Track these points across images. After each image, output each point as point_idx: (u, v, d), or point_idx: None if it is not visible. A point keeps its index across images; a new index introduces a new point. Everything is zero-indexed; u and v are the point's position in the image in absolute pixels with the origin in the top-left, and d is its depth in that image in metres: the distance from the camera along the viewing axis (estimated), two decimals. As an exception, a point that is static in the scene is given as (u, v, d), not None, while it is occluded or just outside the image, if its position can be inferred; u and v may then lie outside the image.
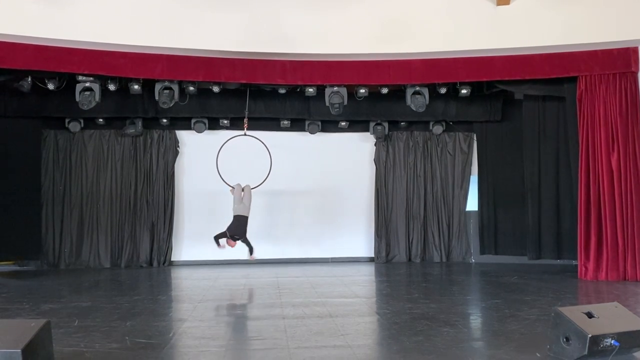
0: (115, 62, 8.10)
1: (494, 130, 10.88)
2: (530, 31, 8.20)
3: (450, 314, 5.77)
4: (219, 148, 9.34)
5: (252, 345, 4.64)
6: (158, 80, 8.66)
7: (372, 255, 11.18)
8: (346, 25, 8.22)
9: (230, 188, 9.11)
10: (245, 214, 8.84)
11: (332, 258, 11.15)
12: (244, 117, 9.45)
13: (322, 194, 11.18)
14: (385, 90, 9.53)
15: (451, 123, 11.12)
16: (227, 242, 8.66)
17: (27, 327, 3.69)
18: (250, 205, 8.95)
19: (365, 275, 9.58)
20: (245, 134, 9.22)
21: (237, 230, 8.68)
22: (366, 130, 11.11)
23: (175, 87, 8.76)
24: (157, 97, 8.79)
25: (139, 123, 10.54)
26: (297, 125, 10.90)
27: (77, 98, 8.47)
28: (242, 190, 9.03)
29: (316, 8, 8.16)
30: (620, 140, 8.20)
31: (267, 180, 9.41)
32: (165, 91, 8.70)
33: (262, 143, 9.25)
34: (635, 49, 8.24)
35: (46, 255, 10.39)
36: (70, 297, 7.19)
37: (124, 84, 9.06)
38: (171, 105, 8.90)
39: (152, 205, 10.75)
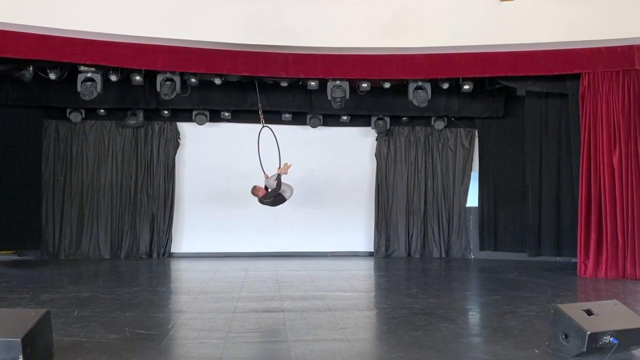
0: (117, 53, 8.06)
1: (496, 126, 10.86)
2: (533, 27, 8.17)
3: (449, 309, 5.78)
4: (257, 143, 8.98)
5: (251, 337, 4.64)
6: (160, 72, 8.63)
7: (372, 250, 11.19)
8: (349, 19, 8.19)
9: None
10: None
11: (331, 252, 11.16)
12: (258, 110, 9.34)
13: (322, 188, 11.17)
14: (387, 85, 9.51)
15: (453, 119, 11.09)
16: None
17: (27, 316, 3.69)
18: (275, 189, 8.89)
19: (365, 270, 9.60)
20: (263, 126, 9.10)
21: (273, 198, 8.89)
22: (368, 124, 11.09)
23: (177, 79, 8.73)
24: (158, 89, 8.76)
25: (140, 114, 10.53)
26: (298, 118, 10.88)
27: (79, 88, 8.45)
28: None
29: (320, 1, 8.12)
30: (622, 139, 8.18)
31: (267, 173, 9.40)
32: (167, 83, 8.68)
33: (274, 136, 9.06)
34: (639, 47, 8.20)
35: (46, 245, 10.41)
36: (69, 288, 7.20)
37: (125, 74, 9.03)
38: (172, 96, 8.88)
39: (152, 197, 10.75)
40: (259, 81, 9.71)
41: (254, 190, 8.94)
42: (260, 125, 9.10)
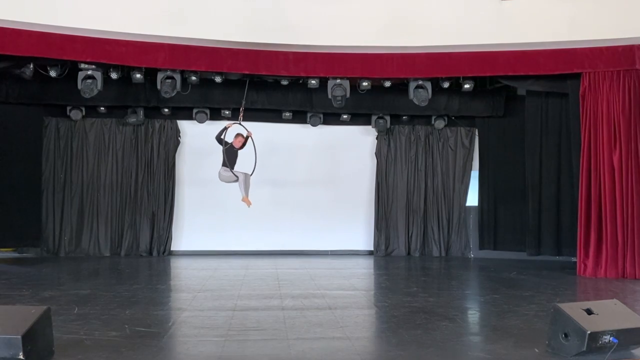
0: (118, 51, 8.05)
1: (496, 125, 10.87)
2: (534, 27, 8.16)
3: (448, 308, 5.79)
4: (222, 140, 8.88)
5: (251, 335, 4.65)
6: (160, 70, 8.64)
7: (372, 248, 11.19)
8: (350, 17, 8.18)
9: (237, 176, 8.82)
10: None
11: (331, 250, 11.16)
12: (241, 106, 9.30)
13: (322, 187, 11.16)
14: (388, 84, 9.52)
15: (453, 118, 11.09)
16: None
17: (27, 313, 3.70)
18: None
19: (365, 268, 9.60)
20: (240, 123, 8.93)
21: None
22: (368, 123, 11.08)
23: (178, 77, 8.72)
24: (159, 87, 8.76)
25: (141, 112, 10.52)
26: (299, 117, 10.87)
27: (79, 86, 8.45)
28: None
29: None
30: (623, 138, 8.17)
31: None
32: (168, 80, 8.68)
33: (251, 138, 8.92)
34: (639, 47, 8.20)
35: (46, 243, 10.41)
36: (70, 285, 7.22)
37: (126, 72, 9.04)
38: (173, 94, 8.87)
39: (152, 195, 10.75)
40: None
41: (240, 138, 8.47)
42: (238, 122, 8.73)
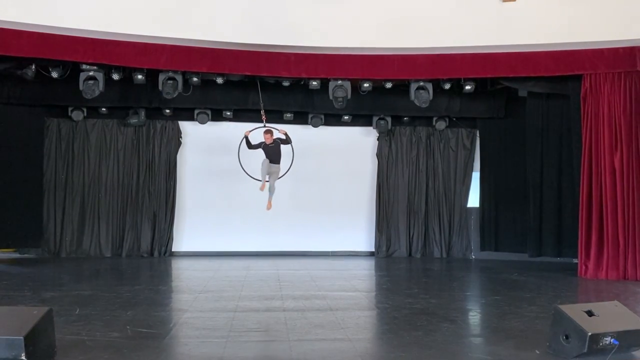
0: (119, 52, 8.07)
1: (497, 127, 10.88)
2: (535, 28, 8.17)
3: (449, 309, 5.79)
4: (239, 143, 9.08)
5: (252, 337, 4.65)
6: (162, 71, 8.65)
7: (373, 249, 11.20)
8: (351, 18, 8.19)
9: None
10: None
11: (332, 252, 11.17)
12: (260, 109, 9.37)
13: (323, 188, 11.17)
14: (389, 85, 9.53)
15: (454, 119, 11.11)
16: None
17: (29, 314, 3.71)
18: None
19: (366, 270, 9.61)
20: (265, 125, 9.12)
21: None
22: (369, 124, 11.10)
23: (179, 78, 8.74)
24: (160, 88, 8.77)
25: (142, 113, 10.54)
26: (300, 118, 10.89)
27: (81, 87, 8.46)
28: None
29: (321, 1, 8.13)
30: (624, 140, 8.18)
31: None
32: (169, 81, 8.69)
33: (287, 137, 9.10)
34: (640, 48, 8.20)
35: (47, 243, 10.43)
36: (71, 286, 7.24)
37: (127, 73, 9.04)
38: (174, 95, 8.89)
39: (153, 196, 10.77)
40: (260, 80, 9.72)
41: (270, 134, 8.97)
42: (262, 125, 9.15)
